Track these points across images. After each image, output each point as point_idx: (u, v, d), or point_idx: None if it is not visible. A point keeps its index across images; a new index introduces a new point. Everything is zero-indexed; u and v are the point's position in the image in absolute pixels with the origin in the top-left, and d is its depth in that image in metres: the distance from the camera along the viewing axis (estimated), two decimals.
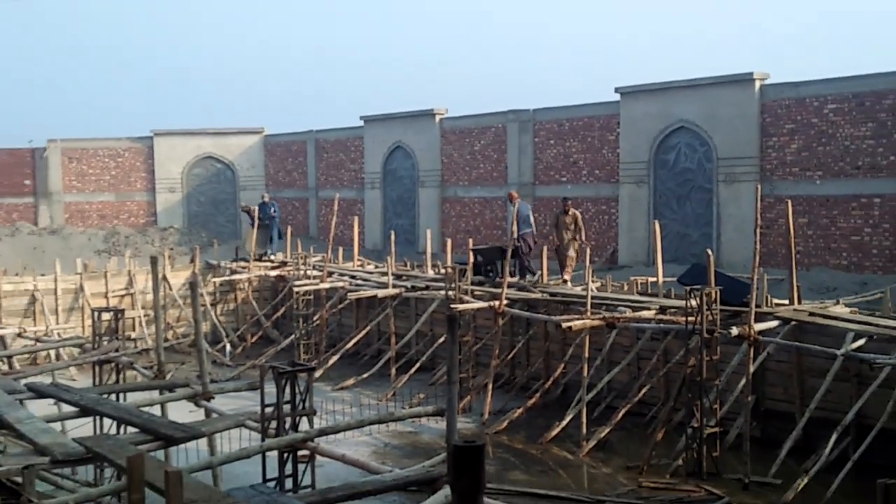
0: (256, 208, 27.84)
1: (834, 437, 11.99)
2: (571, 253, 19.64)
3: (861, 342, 12.78)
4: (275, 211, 28.49)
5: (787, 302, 14.90)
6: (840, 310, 14.62)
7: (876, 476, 5.96)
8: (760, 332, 13.64)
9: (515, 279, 19.42)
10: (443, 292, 18.48)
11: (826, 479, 11.54)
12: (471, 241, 25.48)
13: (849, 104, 22.88)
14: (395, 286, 20.13)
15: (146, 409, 9.64)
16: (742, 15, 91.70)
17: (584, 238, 20.20)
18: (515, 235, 20.20)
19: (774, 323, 13.99)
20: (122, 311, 14.16)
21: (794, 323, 13.95)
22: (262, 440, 8.66)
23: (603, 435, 14.28)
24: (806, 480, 11.63)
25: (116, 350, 12.47)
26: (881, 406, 11.86)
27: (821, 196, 23.17)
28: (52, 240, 33.86)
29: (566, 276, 19.40)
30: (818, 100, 23.51)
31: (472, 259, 20.53)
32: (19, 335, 17.70)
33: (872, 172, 22.33)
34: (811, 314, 14.20)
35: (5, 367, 14.43)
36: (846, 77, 23.18)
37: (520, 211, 20.81)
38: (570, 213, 19.98)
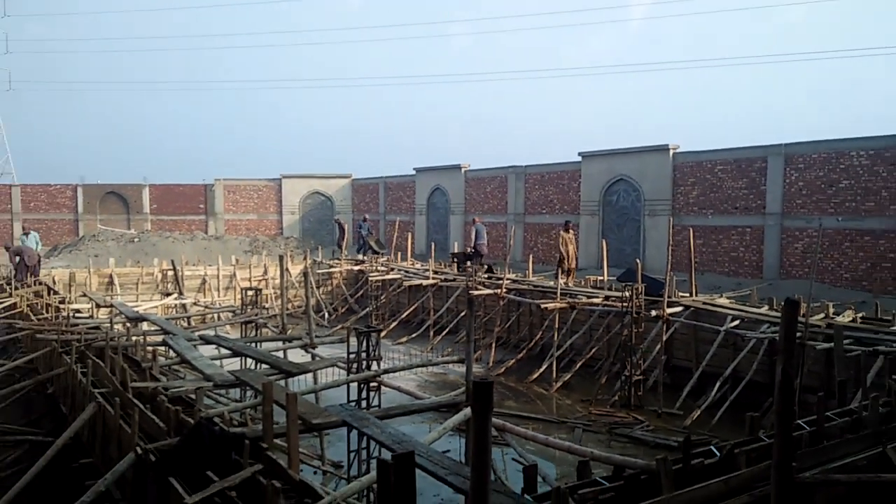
0: (346, 224, 28.86)
1: (717, 384, 11.86)
2: (571, 262, 18.54)
3: (736, 322, 12.64)
4: (361, 227, 28.59)
5: (688, 295, 14.75)
6: (723, 301, 14.47)
7: (744, 411, 5.90)
8: (671, 314, 13.52)
9: (474, 269, 20.19)
10: (464, 283, 18.49)
11: (712, 412, 11.45)
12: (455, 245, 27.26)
13: (731, 166, 22.64)
14: (433, 278, 20.15)
15: (275, 353, 9.74)
16: (665, 105, 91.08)
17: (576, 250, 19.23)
18: (473, 245, 22.33)
19: (680, 308, 13.87)
20: (260, 290, 14.33)
21: (692, 308, 13.82)
22: (348, 375, 8.72)
23: (566, 378, 14.24)
24: (699, 412, 11.54)
25: (256, 315, 12.59)
26: (749, 365, 11.73)
27: (711, 226, 22.94)
28: (216, 243, 34.11)
29: (571, 279, 18.24)
30: (711, 162, 23.28)
31: (452, 258, 22.79)
32: (194, 304, 17.92)
33: (745, 211, 22.09)
34: (704, 303, 14.05)
35: (185, 324, 14.62)
36: (729, 148, 22.96)
37: (477, 230, 22.51)
38: (570, 231, 19.08)
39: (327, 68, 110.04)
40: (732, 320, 12.66)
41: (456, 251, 24.91)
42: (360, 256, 26.45)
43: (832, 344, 9.98)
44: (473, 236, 22.43)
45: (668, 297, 13.71)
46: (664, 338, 13.31)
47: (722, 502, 4.12)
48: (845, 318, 12.32)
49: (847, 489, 4.74)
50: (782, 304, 2.92)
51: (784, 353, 2.74)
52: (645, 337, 13.47)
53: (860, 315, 12.67)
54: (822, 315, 12.26)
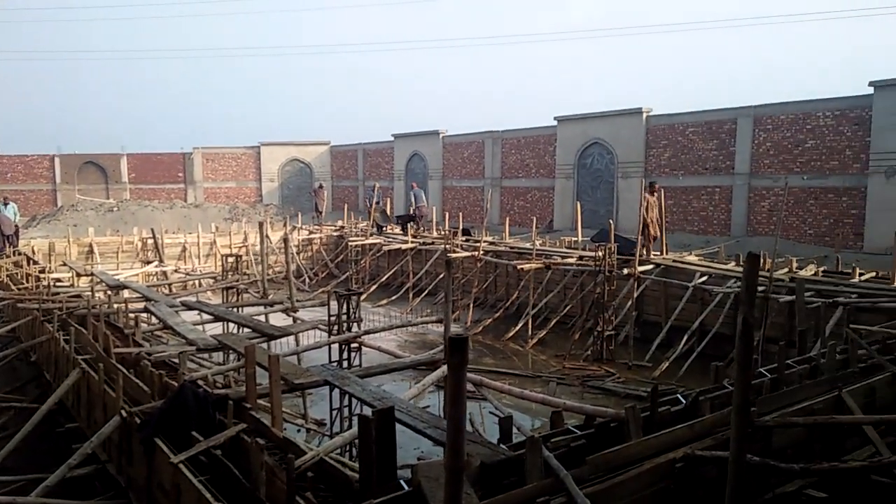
0: (324, 189, 27.39)
1: (685, 337, 12.13)
2: (655, 229, 14.98)
3: (704, 278, 12.87)
4: (371, 195, 25.49)
5: (659, 253, 14.95)
6: (692, 258, 14.69)
7: (710, 361, 6.04)
8: (642, 272, 13.72)
9: (414, 228, 21.31)
10: (442, 246, 18.52)
11: (680, 363, 11.71)
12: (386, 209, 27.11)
13: (702, 128, 22.74)
14: (412, 242, 20.14)
15: (256, 317, 9.73)
16: (638, 66, 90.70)
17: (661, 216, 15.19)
18: (414, 207, 22.97)
19: (651, 266, 14.06)
20: (241, 256, 14.23)
21: (662, 266, 14.02)
22: (329, 337, 8.75)
23: (541, 335, 14.43)
24: (667, 364, 11.80)
25: (237, 280, 12.53)
26: (715, 318, 11.99)
27: (682, 186, 23.12)
28: (196, 211, 33.71)
29: (652, 249, 14.99)
30: (682, 125, 23.36)
31: (397, 220, 23.55)
32: (175, 271, 17.77)
33: (715, 172, 22.28)
34: (674, 261, 14.27)
35: (167, 291, 14.52)
36: (700, 111, 23.02)
37: (416, 195, 23.47)
38: (654, 194, 15.16)
39: (306, 35, 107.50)
40: (700, 276, 12.88)
41: (400, 214, 25.92)
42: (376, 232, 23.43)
43: (794, 296, 10.22)
44: (413, 200, 23.39)
45: (640, 255, 13.88)
46: (635, 294, 13.52)
47: (687, 446, 4.24)
48: (808, 272, 12.60)
49: (805, 431, 4.92)
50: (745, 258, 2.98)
51: (745, 303, 2.80)
52: (617, 294, 13.65)
53: (822, 269, 12.95)
54: (786, 269, 12.51)
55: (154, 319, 9.90)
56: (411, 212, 23.58)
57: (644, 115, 24.31)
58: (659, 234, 15.11)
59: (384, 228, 23.22)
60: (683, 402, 4.97)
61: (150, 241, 21.22)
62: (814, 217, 19.79)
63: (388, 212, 27.10)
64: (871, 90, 18.37)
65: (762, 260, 12.90)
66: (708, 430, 4.42)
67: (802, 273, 12.32)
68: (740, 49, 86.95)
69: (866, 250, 17.89)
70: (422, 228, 22.36)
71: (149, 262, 19.76)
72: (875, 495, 4.75)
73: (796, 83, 72.90)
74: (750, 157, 21.30)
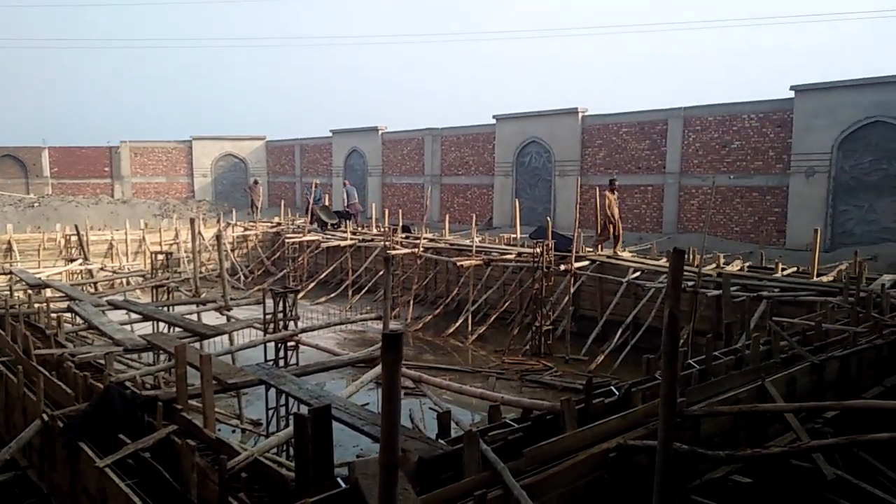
0: (260, 185, 26.85)
1: (619, 331, 12.43)
2: (620, 227, 15.11)
3: (637, 274, 13.22)
4: (311, 194, 24.02)
5: (594, 249, 15.28)
6: (626, 255, 15.05)
7: (643, 354, 6.21)
8: (578, 268, 13.99)
9: (349, 223, 21.68)
10: (382, 243, 18.42)
11: (615, 356, 12.00)
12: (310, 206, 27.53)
13: (635, 128, 23.39)
14: (351, 239, 19.95)
15: (188, 316, 9.45)
16: (577, 64, 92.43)
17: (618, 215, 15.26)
18: (346, 204, 23.25)
19: (586, 262, 14.34)
20: (171, 253, 13.78)
21: (598, 262, 14.32)
22: (264, 336, 8.58)
23: (481, 331, 14.51)
24: (603, 357, 12.06)
25: (167, 278, 12.13)
26: (648, 312, 12.34)
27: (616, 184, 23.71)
28: (123, 207, 32.46)
29: (618, 246, 15.03)
30: (616, 125, 23.96)
31: (336, 217, 23.05)
32: (101, 269, 17.06)
33: (647, 171, 22.96)
34: (608, 257, 14.58)
35: (92, 290, 13.92)
36: (633, 112, 23.67)
37: (348, 192, 23.71)
38: (615, 192, 15.29)
39: (239, 27, 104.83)
40: (634, 272, 13.23)
41: (337, 209, 25.72)
42: (318, 229, 22.83)
43: (721, 291, 10.65)
44: (346, 197, 23.69)
45: (576, 252, 14.16)
46: (572, 290, 13.78)
47: (620, 436, 4.36)
48: (734, 267, 13.14)
49: (731, 419, 5.13)
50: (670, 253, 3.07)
51: (671, 297, 2.89)
52: (554, 290, 13.89)
53: (747, 264, 13.52)
54: (713, 265, 13.00)
55: (78, 319, 9.49)
56: (344, 208, 23.57)
57: (580, 114, 24.82)
58: (621, 231, 15.21)
59: (328, 226, 22.84)
60: (617, 393, 5.10)
61: (74, 238, 20.27)
62: (740, 215, 20.65)
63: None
64: (792, 94, 19.29)
65: (692, 256, 13.40)
66: (640, 420, 4.55)
67: (729, 269, 12.84)
68: (674, 50, 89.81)
69: (788, 246, 18.80)
70: (357, 225, 22.31)
71: (73, 261, 18.88)
72: (795, 478, 4.99)
73: (725, 85, 75.90)
74: (680, 157, 22.04)
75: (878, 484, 5.43)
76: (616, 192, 15.33)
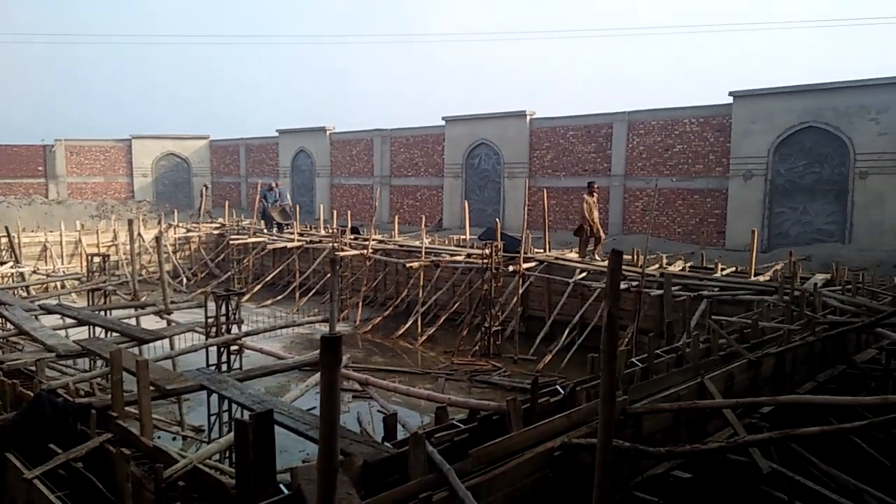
0: (206, 187, 26.51)
1: (566, 330, 12.59)
2: (598, 230, 14.93)
3: (583, 274, 13.43)
4: (266, 197, 23.59)
5: (542, 250, 15.46)
6: (572, 255, 15.28)
7: (590, 353, 6.29)
8: (526, 269, 14.13)
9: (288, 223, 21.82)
10: (330, 244, 18.22)
11: (562, 355, 12.15)
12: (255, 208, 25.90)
13: (581, 131, 23.80)
14: (299, 240, 19.67)
15: (126, 321, 9.13)
16: (526, 70, 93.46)
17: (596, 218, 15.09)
18: (280, 205, 23.22)
19: (534, 263, 14.48)
20: (108, 256, 13.24)
21: (546, 263, 14.49)
22: (206, 340, 8.37)
23: (431, 332, 14.50)
24: (550, 357, 12.22)
25: (104, 282, 11.70)
26: (594, 312, 12.53)
27: (563, 187, 24.08)
28: (58, 208, 31.23)
29: (599, 249, 14.92)
30: (563, 128, 24.33)
31: (274, 217, 22.94)
32: (34, 272, 16.34)
33: (593, 173, 23.35)
34: (556, 258, 14.78)
35: (24, 294, 13.32)
36: (579, 115, 24.08)
37: (280, 192, 23.78)
38: (594, 195, 15.14)
39: (189, 24, 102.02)
40: (580, 273, 13.44)
41: (274, 211, 25.50)
42: (267, 231, 22.31)
43: (664, 290, 10.92)
44: (278, 198, 23.61)
45: (525, 253, 14.30)
46: (520, 291, 13.91)
47: (564, 434, 4.40)
48: (676, 267, 13.49)
49: (672, 416, 5.24)
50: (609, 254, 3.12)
51: (610, 297, 2.93)
52: (503, 290, 13.98)
53: (689, 265, 13.91)
54: (657, 265, 13.31)
55: (9, 325, 9.05)
56: (282, 209, 23.43)
57: (528, 117, 25.11)
58: (602, 234, 15.01)
59: (283, 227, 22.24)
60: (562, 392, 5.15)
61: (5, 240, 19.35)
62: (682, 216, 21.24)
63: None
64: (730, 100, 19.95)
65: (636, 257, 13.70)
66: (584, 418, 4.61)
67: (671, 269, 13.17)
68: (619, 55, 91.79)
69: (728, 247, 19.44)
70: (288, 225, 22.50)
71: (2, 263, 17.99)
72: (733, 472, 5.14)
73: (668, 90, 78.02)
74: (625, 160, 22.53)
75: (812, 476, 5.64)
76: (595, 195, 15.22)
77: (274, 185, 24.97)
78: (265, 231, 22.23)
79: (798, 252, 15.75)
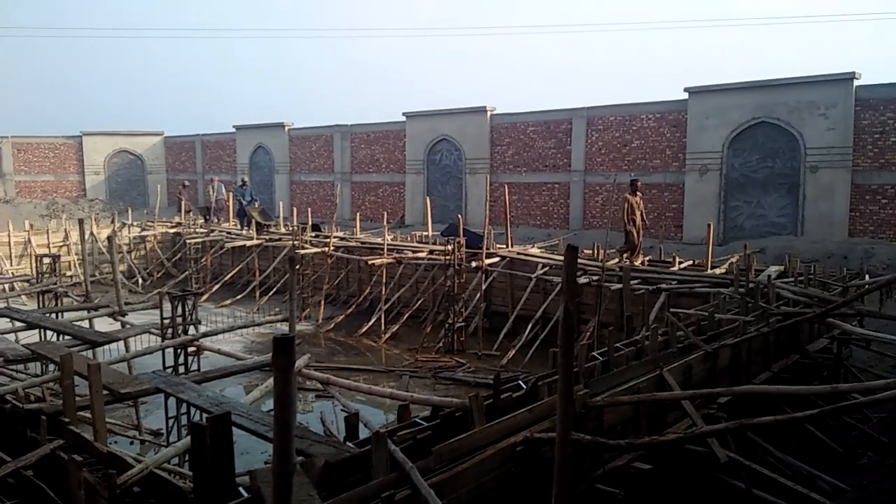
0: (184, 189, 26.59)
1: (529, 325, 12.68)
2: (640, 234, 13.40)
3: (546, 269, 13.53)
4: (243, 195, 22.22)
5: (504, 246, 15.53)
6: (535, 251, 15.40)
7: (552, 347, 6.34)
8: (489, 265, 14.18)
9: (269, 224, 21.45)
10: (291, 242, 18.00)
11: (525, 350, 12.23)
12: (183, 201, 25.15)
13: (541, 127, 23.95)
14: (258, 239, 19.38)
15: (78, 323, 8.86)
16: (484, 66, 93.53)
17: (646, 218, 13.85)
18: (213, 201, 23.74)
19: (497, 259, 14.55)
20: (59, 256, 12.87)
21: (508, 259, 14.57)
22: (162, 341, 8.18)
23: (394, 329, 14.45)
24: (514, 352, 12.29)
25: (55, 283, 11.33)
26: (556, 306, 12.58)
27: (525, 182, 24.22)
28: (5, 207, 30.20)
29: (637, 257, 13.43)
30: (524, 124, 24.46)
31: (199, 211, 23.76)
32: None
33: (553, 169, 23.57)
34: (518, 253, 14.85)
35: None
36: (539, 111, 24.22)
37: (217, 189, 24.22)
38: (638, 194, 13.46)
39: (143, 17, 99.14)
40: (542, 268, 13.54)
41: (202, 206, 26.35)
42: (245, 231, 21.17)
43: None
44: (214, 193, 24.06)
45: (487, 248, 14.35)
46: (483, 286, 13.96)
47: (527, 429, 4.42)
48: (635, 261, 13.67)
49: (632, 408, 5.32)
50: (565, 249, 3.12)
51: (566, 292, 2.94)
52: (466, 286, 14.02)
53: (647, 258, 14.12)
54: (616, 260, 13.49)
55: None
56: (213, 204, 23.74)
57: (488, 113, 25.17)
58: (642, 239, 13.47)
59: (264, 227, 21.08)
60: (524, 387, 5.17)
61: None
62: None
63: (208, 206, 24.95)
64: (686, 95, 20.33)
65: (596, 252, 13.85)
66: (546, 412, 4.63)
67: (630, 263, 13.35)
68: (577, 50, 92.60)
69: (685, 241, 19.82)
70: (217, 220, 23.24)
71: None
72: (692, 462, 5.24)
73: (625, 85, 79.07)
74: (584, 156, 22.77)
75: (768, 464, 5.79)
76: (639, 194, 13.49)
77: (213, 179, 24.90)
78: (244, 231, 21.12)
79: (752, 245, 16.14)
